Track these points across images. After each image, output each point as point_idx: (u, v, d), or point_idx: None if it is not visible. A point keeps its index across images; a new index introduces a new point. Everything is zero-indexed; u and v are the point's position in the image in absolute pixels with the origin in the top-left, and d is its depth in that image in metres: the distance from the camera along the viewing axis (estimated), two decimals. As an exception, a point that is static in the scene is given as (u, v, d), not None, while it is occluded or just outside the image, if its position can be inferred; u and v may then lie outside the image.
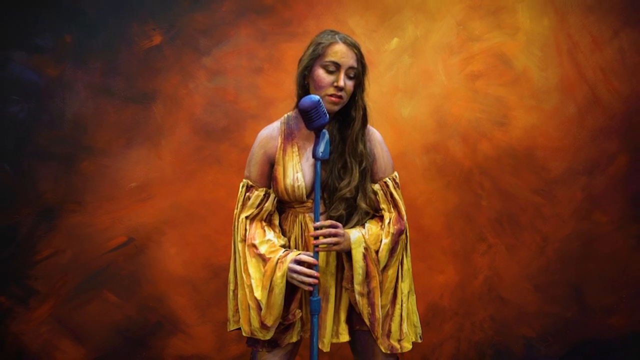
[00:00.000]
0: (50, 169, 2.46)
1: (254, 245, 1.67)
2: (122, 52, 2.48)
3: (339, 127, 1.72)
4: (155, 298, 2.50)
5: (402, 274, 1.74)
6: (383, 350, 1.70)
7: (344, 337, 1.72)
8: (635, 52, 2.52)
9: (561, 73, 2.53)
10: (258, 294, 1.63)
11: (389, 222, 1.70)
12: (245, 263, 1.67)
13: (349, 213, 1.70)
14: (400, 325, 1.72)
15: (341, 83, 1.62)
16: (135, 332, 2.50)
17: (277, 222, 1.76)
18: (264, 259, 1.65)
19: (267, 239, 1.68)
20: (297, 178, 1.68)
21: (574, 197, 2.54)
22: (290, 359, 1.77)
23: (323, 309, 1.69)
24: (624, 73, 2.52)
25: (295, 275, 1.59)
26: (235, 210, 1.74)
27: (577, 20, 2.53)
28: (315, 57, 1.65)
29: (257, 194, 1.72)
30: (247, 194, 1.73)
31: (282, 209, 1.79)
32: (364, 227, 1.69)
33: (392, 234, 1.69)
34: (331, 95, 1.64)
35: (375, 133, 1.78)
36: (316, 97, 1.54)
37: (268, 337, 1.66)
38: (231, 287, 1.76)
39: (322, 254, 1.68)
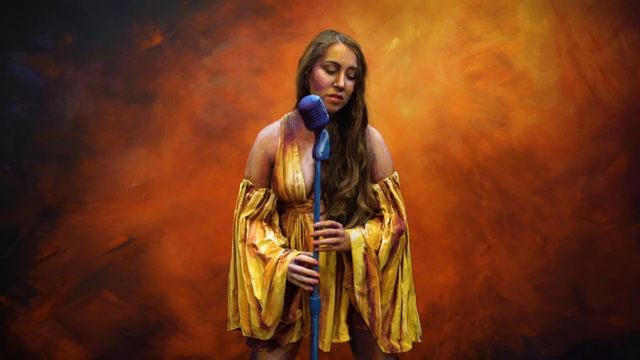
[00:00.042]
0: (51, 169, 2.46)
1: (254, 245, 1.67)
2: (122, 52, 2.48)
3: (339, 127, 1.73)
4: (155, 298, 2.51)
5: (402, 274, 1.74)
6: (383, 350, 1.70)
7: (344, 337, 1.72)
8: (635, 52, 2.53)
9: (561, 73, 2.53)
10: (258, 294, 1.63)
11: (389, 222, 1.70)
12: (246, 263, 1.67)
13: (349, 213, 1.70)
14: (400, 325, 1.72)
15: (341, 83, 1.62)
16: (136, 332, 2.50)
17: (277, 222, 1.76)
18: (264, 259, 1.65)
19: (267, 239, 1.68)
20: (297, 178, 1.68)
21: (573, 197, 2.54)
22: (291, 359, 1.77)
23: (323, 309, 1.69)
24: (624, 73, 2.53)
25: (295, 275, 1.59)
26: (236, 211, 1.75)
27: (577, 21, 2.53)
28: (315, 57, 1.66)
29: (257, 194, 1.72)
30: (247, 194, 1.73)
31: (282, 209, 1.79)
32: (364, 227, 1.69)
33: (392, 234, 1.69)
34: (331, 96, 1.64)
35: (375, 133, 1.78)
36: (316, 97, 1.54)
37: (268, 337, 1.66)
38: (231, 287, 1.76)
39: (322, 254, 1.68)
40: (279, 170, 1.71)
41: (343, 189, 1.67)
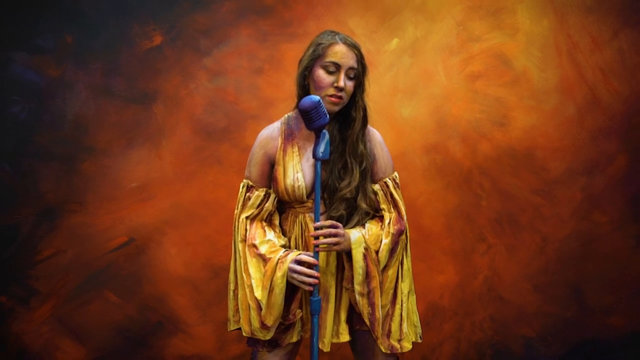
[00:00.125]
0: (51, 169, 2.46)
1: (255, 246, 1.67)
2: (122, 52, 2.49)
3: (339, 127, 1.73)
4: (155, 298, 2.51)
5: (402, 274, 1.74)
6: (383, 350, 1.70)
7: (344, 337, 1.72)
8: (635, 52, 2.53)
9: (561, 73, 2.54)
10: (258, 294, 1.64)
11: (389, 223, 1.71)
12: (246, 263, 1.67)
13: (349, 213, 1.70)
14: (400, 325, 1.72)
15: (341, 83, 1.63)
16: (136, 332, 2.51)
17: (277, 222, 1.77)
18: (265, 259, 1.65)
19: (268, 239, 1.68)
20: (297, 178, 1.69)
21: (573, 197, 2.54)
22: (291, 359, 1.77)
23: (323, 309, 1.69)
24: (624, 73, 2.53)
25: (295, 275, 1.60)
26: (236, 211, 1.75)
27: (577, 21, 2.53)
28: (315, 57, 1.66)
29: (258, 194, 1.72)
30: (248, 194, 1.73)
31: (283, 209, 1.79)
32: (364, 227, 1.69)
33: (392, 234, 1.69)
34: (331, 96, 1.64)
35: (375, 133, 1.78)
36: (316, 98, 1.54)
37: (268, 337, 1.66)
38: (231, 287, 1.76)
39: (322, 254, 1.68)
40: (279, 171, 1.71)
41: (343, 189, 1.68)
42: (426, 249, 2.54)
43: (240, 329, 1.73)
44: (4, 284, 2.44)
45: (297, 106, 1.63)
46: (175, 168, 2.51)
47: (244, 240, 1.70)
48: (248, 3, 2.52)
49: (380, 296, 1.68)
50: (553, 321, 2.55)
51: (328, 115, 1.57)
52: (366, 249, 1.65)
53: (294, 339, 1.72)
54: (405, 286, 1.74)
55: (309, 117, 1.54)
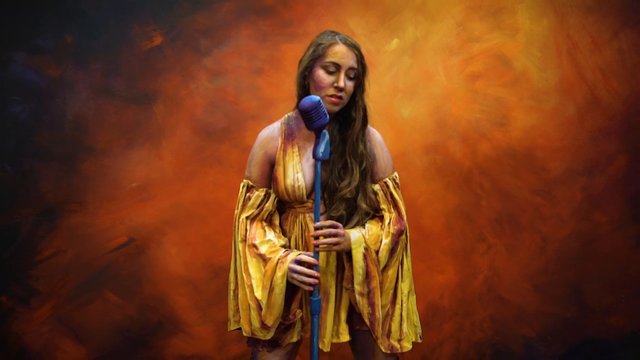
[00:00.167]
0: (51, 169, 2.46)
1: (255, 246, 1.67)
2: (123, 52, 2.49)
3: (339, 127, 1.73)
4: (156, 298, 2.51)
5: (402, 274, 1.74)
6: (383, 350, 1.71)
7: (344, 337, 1.72)
8: (635, 52, 2.53)
9: (561, 74, 2.54)
10: (258, 294, 1.64)
11: (389, 223, 1.71)
12: (246, 263, 1.68)
13: (349, 213, 1.70)
14: (400, 325, 1.72)
15: (341, 84, 1.63)
16: (136, 332, 2.51)
17: (277, 222, 1.77)
18: (265, 259, 1.65)
19: (268, 239, 1.68)
20: (297, 178, 1.69)
21: (573, 197, 2.54)
22: (291, 359, 1.77)
23: (323, 309, 1.69)
24: (624, 74, 2.53)
25: (295, 275, 1.60)
26: (236, 211, 1.75)
27: (577, 21, 2.53)
28: (315, 57, 1.66)
29: (258, 194, 1.72)
30: (248, 194, 1.73)
31: (283, 209, 1.79)
32: (364, 227, 1.69)
33: (392, 234, 1.69)
34: (331, 96, 1.64)
35: (375, 133, 1.78)
36: (316, 98, 1.54)
37: (268, 337, 1.67)
38: (232, 287, 1.76)
39: (322, 254, 1.69)
40: (279, 171, 1.71)
41: (343, 189, 1.68)
42: (426, 249, 2.54)
43: (240, 329, 1.73)
44: (4, 284, 2.44)
45: (297, 106, 1.63)
46: (175, 168, 2.51)
47: (244, 240, 1.70)
48: (248, 3, 2.52)
49: (380, 296, 1.69)
50: (553, 321, 2.55)
51: (328, 116, 1.57)
52: (366, 249, 1.65)
53: (294, 339, 1.72)
54: (405, 286, 1.75)
55: (309, 117, 1.54)
